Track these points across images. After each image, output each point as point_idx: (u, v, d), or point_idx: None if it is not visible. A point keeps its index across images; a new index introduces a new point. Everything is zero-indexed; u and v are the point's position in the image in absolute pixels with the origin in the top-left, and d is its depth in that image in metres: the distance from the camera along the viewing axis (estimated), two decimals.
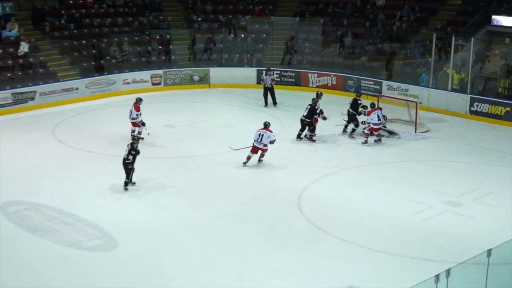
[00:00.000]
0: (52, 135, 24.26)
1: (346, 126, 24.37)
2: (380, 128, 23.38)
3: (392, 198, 18.70)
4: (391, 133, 23.96)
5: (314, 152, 22.56)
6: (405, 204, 18.21)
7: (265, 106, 28.41)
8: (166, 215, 17.51)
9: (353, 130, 24.05)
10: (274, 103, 28.46)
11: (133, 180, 19.04)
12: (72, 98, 29.02)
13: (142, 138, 22.73)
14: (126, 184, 18.81)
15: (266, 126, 21.05)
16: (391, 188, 19.40)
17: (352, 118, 24.14)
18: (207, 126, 25.64)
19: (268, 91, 28.51)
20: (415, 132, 24.74)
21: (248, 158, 20.86)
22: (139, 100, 23.33)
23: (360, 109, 24.04)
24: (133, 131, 23.23)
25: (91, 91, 29.76)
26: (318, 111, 23.60)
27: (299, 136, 23.55)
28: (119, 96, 29.77)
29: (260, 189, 19.33)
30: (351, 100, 24.55)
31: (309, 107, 23.38)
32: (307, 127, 23.44)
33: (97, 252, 15.53)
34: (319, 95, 24.51)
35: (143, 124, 23.03)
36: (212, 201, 18.33)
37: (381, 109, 23.61)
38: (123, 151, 19.02)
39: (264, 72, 29.25)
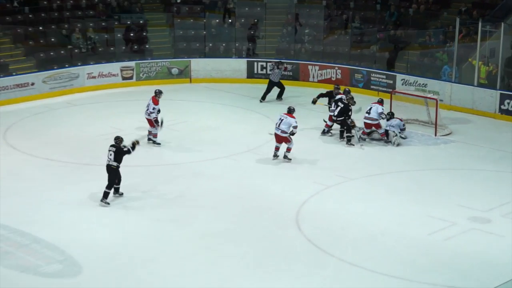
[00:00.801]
0: (3, 140, 24.26)
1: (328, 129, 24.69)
2: (378, 125, 23.51)
3: (408, 213, 18.74)
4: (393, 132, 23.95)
5: (317, 160, 22.58)
6: (423, 220, 18.25)
7: (260, 101, 28.46)
8: (139, 235, 17.48)
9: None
10: (279, 97, 28.94)
11: (112, 191, 19.00)
12: (28, 95, 29.04)
13: (159, 144, 22.88)
14: (105, 195, 18.66)
15: (290, 111, 21.82)
16: (406, 202, 19.44)
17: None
18: (189, 128, 25.71)
19: (275, 86, 28.66)
20: (435, 135, 24.85)
21: (277, 148, 21.97)
22: (159, 93, 23.60)
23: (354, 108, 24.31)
24: (150, 132, 23.36)
25: (50, 87, 29.79)
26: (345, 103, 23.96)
27: (328, 131, 24.51)
28: (83, 93, 29.79)
29: (251, 203, 19.34)
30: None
31: (341, 105, 23.65)
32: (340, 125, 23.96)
33: (57, 278, 15.50)
34: (340, 89, 25.00)
35: (157, 121, 23.06)
36: (194, 218, 18.33)
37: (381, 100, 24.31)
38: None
39: (275, 65, 29.14)
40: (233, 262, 16.16)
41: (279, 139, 21.77)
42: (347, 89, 25.42)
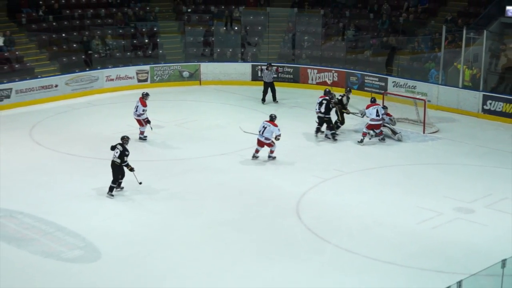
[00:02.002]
0: (29, 136, 24.25)
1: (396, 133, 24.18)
2: (380, 125, 23.34)
3: (399, 204, 18.71)
4: (394, 132, 23.89)
5: (315, 155, 22.50)
6: (413, 211, 18.22)
7: (262, 103, 28.40)
8: (152, 224, 17.48)
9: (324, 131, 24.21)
10: (274, 99, 28.52)
11: (122, 185, 19.00)
12: (51, 96, 29.04)
13: (145, 138, 22.85)
14: (111, 189, 18.75)
15: (272, 119, 21.34)
16: (397, 194, 19.42)
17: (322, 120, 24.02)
18: (198, 126, 25.65)
19: (269, 87, 28.53)
20: (424, 132, 24.79)
21: (257, 151, 21.36)
22: (145, 95, 23.55)
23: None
24: (141, 132, 23.43)
25: (72, 89, 29.76)
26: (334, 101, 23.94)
27: (318, 131, 23.91)
28: (102, 94, 29.77)
29: (255, 195, 19.32)
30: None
31: (325, 102, 23.48)
32: (325, 124, 23.68)
33: (79, 263, 15.49)
34: (328, 92, 24.55)
35: (149, 121, 23.07)
36: (202, 209, 18.32)
37: (385, 107, 23.64)
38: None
39: (265, 67, 29.18)
40: (239, 249, 16.14)
41: (262, 144, 21.41)
42: (327, 89, 25.21)
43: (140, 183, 18.92)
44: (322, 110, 23.47)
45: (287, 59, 33.05)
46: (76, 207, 18.28)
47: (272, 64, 29.66)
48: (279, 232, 17.06)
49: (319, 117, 23.75)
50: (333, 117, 24.01)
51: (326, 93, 24.45)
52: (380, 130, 23.42)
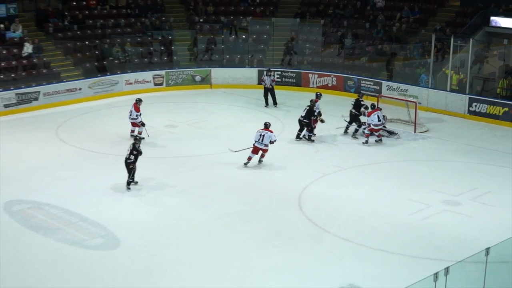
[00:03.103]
0: (55, 135, 24.26)
1: (347, 127, 24.31)
2: (380, 129, 23.33)
3: (392, 197, 18.70)
4: (391, 133, 23.92)
5: (316, 152, 22.51)
6: (404, 203, 18.20)
7: (265, 106, 28.39)
8: (167, 215, 17.50)
9: (356, 131, 24.01)
10: (275, 103, 28.43)
11: (136, 179, 19.04)
12: (75, 98, 29.03)
13: (143, 138, 22.74)
14: (128, 183, 18.81)
15: (267, 126, 20.89)
16: (391, 188, 19.39)
17: (354, 118, 24.12)
18: (209, 126, 25.63)
19: (269, 91, 28.48)
20: (415, 132, 24.72)
21: (249, 158, 20.73)
22: (139, 101, 23.36)
23: (362, 109, 24.02)
24: (132, 131, 23.30)
25: (94, 91, 29.76)
26: (316, 113, 23.57)
27: (298, 136, 23.50)
28: (121, 97, 29.77)
29: (261, 188, 19.31)
30: (354, 100, 24.51)
31: (307, 108, 23.32)
32: (305, 128, 23.36)
33: (100, 250, 15.53)
34: (318, 96, 24.55)
35: (143, 124, 23.06)
36: (212, 201, 18.32)
37: (380, 109, 23.54)
38: (125, 150, 19.04)
39: (264, 72, 29.23)
40: (245, 238, 16.16)
41: (258, 150, 20.69)
42: (318, 93, 25.15)
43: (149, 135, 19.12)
44: (303, 114, 23.25)
45: (290, 65, 32.96)
46: (98, 199, 18.30)
47: (271, 69, 29.64)
48: (282, 222, 17.07)
49: (299, 121, 23.45)
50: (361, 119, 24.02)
51: (318, 96, 24.39)
52: (378, 133, 23.32)
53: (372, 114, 22.97)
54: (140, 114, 23.17)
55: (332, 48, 33.16)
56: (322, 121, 23.81)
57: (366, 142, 23.16)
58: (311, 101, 23.60)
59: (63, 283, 14.01)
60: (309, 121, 23.21)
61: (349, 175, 20.53)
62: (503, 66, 28.40)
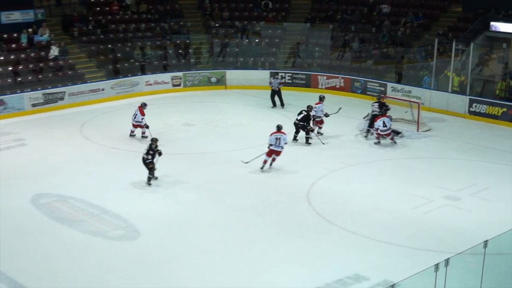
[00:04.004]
0: (79, 133, 24.37)
1: (368, 131, 23.75)
2: (388, 134, 22.83)
3: (396, 192, 18.67)
4: (396, 132, 23.71)
5: (323, 149, 22.46)
6: (407, 198, 18.18)
7: (272, 107, 28.26)
8: (184, 208, 17.57)
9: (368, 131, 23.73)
10: (282, 105, 28.26)
11: (155, 175, 19.09)
12: (98, 98, 29.12)
13: (146, 137, 22.87)
14: (149, 179, 18.87)
15: (280, 128, 20.29)
16: (394, 183, 19.37)
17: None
18: (223, 124, 25.66)
19: (276, 93, 28.39)
20: (417, 131, 24.67)
21: (265, 162, 20.14)
22: (144, 105, 23.31)
23: (383, 110, 23.70)
24: (132, 131, 23.35)
25: (116, 92, 29.85)
26: (323, 114, 23.56)
27: (294, 138, 22.98)
28: (141, 97, 29.75)
29: (272, 184, 19.33)
30: (375, 103, 24.10)
31: (304, 113, 22.78)
32: (301, 130, 22.86)
33: (121, 241, 15.61)
34: (321, 98, 24.17)
35: (147, 126, 22.95)
36: (227, 195, 18.37)
37: (388, 116, 22.99)
38: (144, 148, 19.09)
39: (272, 75, 29.15)
40: (258, 230, 16.21)
41: (276, 153, 20.08)
42: (321, 95, 24.62)
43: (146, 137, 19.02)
44: (298, 118, 22.77)
45: (300, 68, 32.95)
46: (119, 193, 18.39)
47: (278, 72, 29.59)
48: (292, 215, 17.10)
49: (295, 124, 22.90)
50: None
51: (321, 98, 24.08)
52: (391, 137, 22.95)
53: (379, 120, 22.72)
54: (144, 118, 23.13)
55: (340, 51, 33.06)
56: (326, 115, 23.75)
57: (378, 142, 22.85)
58: (308, 106, 23.12)
59: (86, 271, 14.11)
60: (304, 124, 22.70)
61: (355, 171, 20.51)
62: (503, 68, 28.26)
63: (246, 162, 20.29)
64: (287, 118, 25.35)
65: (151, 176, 18.90)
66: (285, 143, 20.31)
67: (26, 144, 22.90)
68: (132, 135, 23.36)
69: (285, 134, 20.37)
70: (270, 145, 20.07)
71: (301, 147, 22.60)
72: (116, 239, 15.65)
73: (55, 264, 14.37)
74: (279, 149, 20.07)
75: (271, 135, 20.12)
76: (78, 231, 15.95)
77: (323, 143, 22.79)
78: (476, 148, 22.92)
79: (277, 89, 28.33)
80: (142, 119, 23.02)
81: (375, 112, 23.67)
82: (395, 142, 22.91)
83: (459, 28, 31.32)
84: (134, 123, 23.23)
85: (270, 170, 20.19)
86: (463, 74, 27.96)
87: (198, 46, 33.97)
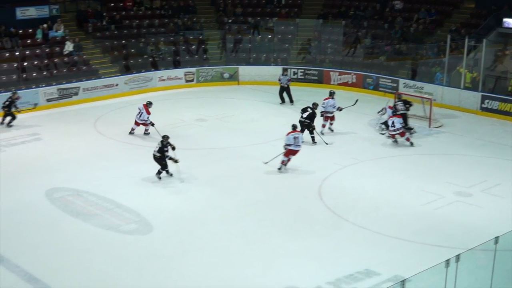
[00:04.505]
0: (93, 128, 24.49)
1: (410, 129, 23.40)
2: (402, 133, 22.25)
3: (407, 188, 18.64)
4: (408, 128, 23.53)
5: (331, 145, 22.38)
6: (418, 194, 18.15)
7: (280, 103, 28.21)
8: (197, 202, 17.61)
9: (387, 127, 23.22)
10: (291, 101, 28.19)
11: (170, 171, 19.09)
12: (112, 93, 29.25)
13: (149, 133, 22.95)
14: (159, 172, 18.87)
15: (295, 127, 20.07)
16: (405, 179, 19.35)
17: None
18: (236, 120, 25.70)
19: (284, 90, 28.35)
20: (429, 127, 24.62)
21: (283, 162, 19.76)
22: (149, 104, 23.21)
23: (407, 106, 23.64)
24: (133, 129, 23.23)
25: (130, 87, 29.96)
26: (336, 108, 23.50)
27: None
28: (155, 92, 29.96)
29: (284, 179, 19.35)
30: (400, 101, 23.93)
31: (309, 111, 22.45)
32: (306, 128, 22.41)
33: (134, 235, 15.68)
34: (331, 94, 24.05)
35: (152, 124, 22.86)
36: (238, 190, 18.40)
37: (400, 116, 22.58)
38: (157, 143, 19.08)
39: (281, 72, 29.09)
40: (269, 225, 16.22)
41: (294, 153, 19.69)
42: (332, 91, 24.52)
43: (176, 161, 18.85)
44: (304, 116, 22.42)
45: (313, 63, 32.93)
46: (132, 187, 18.47)
47: (287, 68, 29.61)
48: (304, 210, 17.13)
49: (300, 122, 22.14)
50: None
51: (331, 94, 24.00)
52: (406, 137, 22.43)
53: (389, 119, 22.55)
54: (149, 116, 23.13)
55: (352, 47, 32.98)
56: (339, 109, 23.72)
57: (395, 141, 22.46)
58: (314, 104, 22.87)
59: (99, 265, 14.18)
60: (310, 122, 22.38)
61: (367, 167, 20.49)
62: None
63: (266, 162, 20.12)
64: (300, 114, 25.31)
65: (163, 171, 18.87)
66: (302, 142, 20.08)
67: (40, 138, 23.05)
68: (131, 132, 23.27)
69: (300, 132, 20.27)
70: (288, 145, 19.63)
71: (310, 145, 22.56)
72: (129, 233, 15.72)
73: (69, 258, 14.45)
74: (297, 148, 19.73)
75: (287, 134, 19.79)
76: (92, 225, 16.04)
77: (326, 143, 22.48)
78: (488, 145, 22.84)
79: (286, 85, 28.28)
80: (148, 117, 22.97)
81: (403, 111, 23.38)
82: (412, 144, 22.27)
83: (472, 24, 31.18)
84: (139, 122, 23.08)
85: (285, 169, 20.11)
86: (475, 70, 27.84)
87: (211, 41, 33.97)
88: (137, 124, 23.22)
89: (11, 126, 24.25)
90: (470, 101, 27.14)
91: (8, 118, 24.36)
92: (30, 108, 25.45)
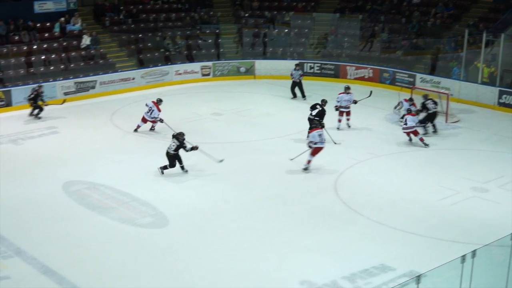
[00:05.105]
0: (110, 121, 24.59)
1: (433, 125, 23.20)
2: (415, 133, 21.74)
3: (423, 183, 18.57)
4: (424, 125, 23.15)
5: (339, 144, 22.19)
6: (434, 189, 18.08)
7: (292, 98, 28.12)
8: (212, 196, 17.64)
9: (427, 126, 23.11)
10: (303, 96, 28.09)
11: (185, 167, 19.04)
12: (129, 87, 29.34)
13: (153, 129, 22.94)
14: (165, 168, 18.77)
15: (317, 125, 19.70)
16: (421, 174, 19.26)
17: (428, 117, 23.10)
18: (252, 114, 25.70)
19: (297, 85, 28.26)
20: (446, 122, 24.47)
21: (309, 162, 19.29)
22: (159, 101, 23.00)
23: (431, 105, 23.25)
24: (139, 126, 23.01)
25: (146, 81, 30.05)
26: (351, 101, 23.45)
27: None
28: (171, 86, 30.03)
29: (299, 173, 19.31)
30: (429, 100, 23.48)
31: (318, 108, 22.07)
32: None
33: (150, 228, 15.74)
34: (346, 89, 23.82)
35: (161, 121, 22.67)
36: (254, 184, 18.41)
37: (415, 114, 21.96)
38: (171, 141, 19.01)
39: (294, 67, 28.78)
40: (284, 219, 16.22)
41: (320, 150, 19.25)
42: (347, 85, 24.34)
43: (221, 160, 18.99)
44: (313, 113, 22.01)
45: (329, 58, 32.85)
46: (148, 181, 18.53)
47: (299, 63, 29.57)
48: (319, 205, 17.10)
49: (309, 119, 21.67)
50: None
51: (346, 88, 23.83)
52: (420, 137, 21.89)
53: (405, 116, 22.31)
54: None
55: (369, 41, 32.86)
56: (355, 102, 23.62)
57: (410, 140, 21.96)
58: (323, 101, 22.52)
59: (115, 258, 14.26)
60: (320, 120, 21.54)
61: (383, 162, 20.43)
62: None
63: (292, 159, 20.00)
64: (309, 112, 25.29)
65: (181, 166, 18.91)
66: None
67: (58, 132, 23.18)
68: (136, 130, 23.05)
69: (321, 128, 19.64)
70: (315, 142, 19.07)
71: (329, 137, 22.49)
72: (145, 227, 15.78)
73: (85, 250, 14.54)
74: (323, 145, 19.33)
75: (310, 132, 19.44)
76: (108, 218, 16.11)
77: (335, 143, 21.84)
78: (505, 140, 22.68)
79: (298, 80, 28.18)
80: (159, 115, 22.88)
81: (434, 110, 23.14)
82: (426, 145, 21.67)
83: (490, 18, 30.95)
84: (149, 119, 22.82)
85: (297, 159, 20.00)
86: (493, 65, 27.65)
87: (228, 36, 33.96)
88: (144, 121, 22.90)
89: (39, 118, 24.60)
90: (488, 96, 26.97)
91: (36, 111, 24.73)
92: (60, 101, 25.87)
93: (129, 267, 13.91)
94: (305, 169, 19.40)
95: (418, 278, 10.31)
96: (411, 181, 18.72)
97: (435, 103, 23.59)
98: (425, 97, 23.67)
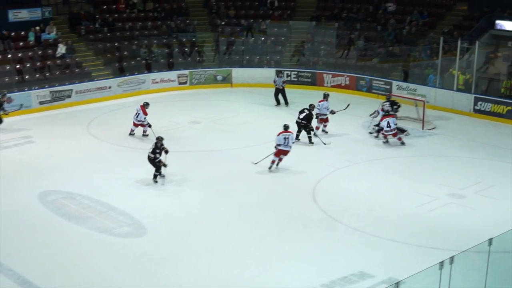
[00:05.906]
0: (86, 130, 24.42)
1: (404, 131, 23.43)
2: (395, 134, 22.48)
3: (400, 190, 18.66)
4: (402, 130, 23.54)
5: (328, 147, 22.46)
6: (412, 196, 18.17)
7: (276, 105, 28.22)
8: (190, 205, 17.59)
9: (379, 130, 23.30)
10: (286, 103, 28.20)
11: (162, 173, 19.08)
12: (105, 96, 29.15)
13: (147, 135, 22.90)
14: (155, 176, 18.89)
15: (287, 128, 20.09)
16: (399, 181, 19.37)
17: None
18: (229, 122, 25.68)
19: (280, 92, 28.35)
20: (423, 129, 24.65)
21: (273, 162, 19.93)
22: (146, 105, 23.16)
23: (394, 107, 23.82)
24: (132, 130, 23.24)
25: (123, 90, 29.90)
26: (329, 111, 23.52)
27: (297, 137, 22.48)
28: (148, 94, 29.85)
29: (278, 181, 19.34)
30: (387, 102, 24.12)
31: (306, 112, 22.63)
32: (303, 129, 22.70)
33: (128, 238, 15.64)
34: (326, 96, 24.04)
35: (150, 126, 22.87)
36: (232, 193, 18.38)
37: (393, 116, 22.80)
38: (151, 145, 19.07)
39: (276, 74, 29.10)
40: (263, 226, 16.22)
41: (284, 153, 19.86)
42: (326, 93, 24.51)
43: (165, 165, 18.82)
44: (301, 117, 22.56)
45: (306, 66, 32.95)
46: (125, 190, 18.43)
47: (281, 70, 29.65)
48: (298, 212, 17.11)
49: (297, 123, 22.60)
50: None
51: (325, 96, 23.93)
52: (399, 137, 22.61)
53: (384, 120, 22.61)
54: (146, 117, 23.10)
55: (345, 49, 33.02)
56: (332, 112, 23.71)
57: (386, 141, 22.62)
58: (311, 105, 23.01)
59: (93, 268, 14.14)
60: (307, 123, 22.49)
61: (360, 169, 20.51)
62: (508, 67, 28.22)
63: (256, 163, 20.24)
64: (293, 116, 25.13)
65: (158, 174, 18.90)
66: (293, 142, 20.19)
67: (33, 141, 22.97)
68: (132, 134, 23.30)
69: (292, 133, 20.32)
70: (278, 145, 19.82)
71: (306, 146, 22.59)
72: (123, 236, 15.68)
73: (62, 261, 14.41)
74: (287, 149, 19.89)
75: (278, 135, 19.93)
76: (85, 228, 15.98)
77: (324, 144, 22.60)
78: (481, 146, 22.89)
79: (281, 87, 28.27)
80: (145, 118, 22.96)
81: (391, 112, 23.44)
82: (403, 143, 22.57)
83: (465, 26, 31.25)
84: (137, 122, 23.13)
85: (277, 169, 20.14)
86: (468, 72, 27.91)
87: (205, 44, 33.92)
88: (135, 125, 23.23)
89: None
90: (463, 103, 27.20)
91: None
92: (17, 110, 25.29)
93: (107, 277, 13.79)
94: (269, 168, 19.90)
95: (396, 285, 10.35)
96: (388, 188, 18.80)
97: (395, 105, 23.91)
98: (387, 98, 24.09)
